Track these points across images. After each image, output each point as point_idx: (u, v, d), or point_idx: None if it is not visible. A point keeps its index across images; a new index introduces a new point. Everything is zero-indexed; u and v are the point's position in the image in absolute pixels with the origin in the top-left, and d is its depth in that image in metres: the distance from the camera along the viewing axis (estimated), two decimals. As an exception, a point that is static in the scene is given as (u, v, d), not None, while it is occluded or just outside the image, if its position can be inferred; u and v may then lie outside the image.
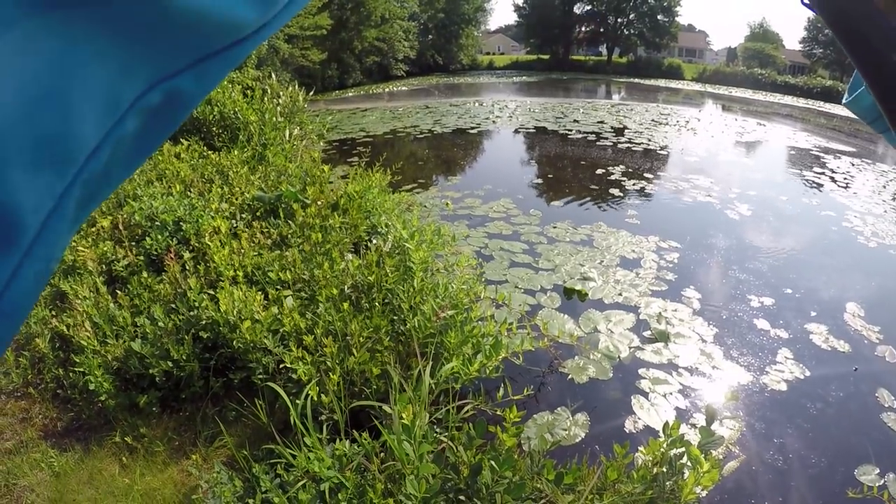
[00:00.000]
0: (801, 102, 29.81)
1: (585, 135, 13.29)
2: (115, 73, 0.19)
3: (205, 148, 6.02)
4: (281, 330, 2.79)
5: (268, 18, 0.23)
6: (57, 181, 0.18)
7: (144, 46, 0.19)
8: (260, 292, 2.99)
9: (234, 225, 3.93)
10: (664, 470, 2.02)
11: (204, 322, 2.87)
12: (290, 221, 3.94)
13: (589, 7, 47.00)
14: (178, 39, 0.20)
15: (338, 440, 2.20)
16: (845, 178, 10.36)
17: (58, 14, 0.17)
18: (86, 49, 0.18)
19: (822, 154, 13.00)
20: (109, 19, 0.18)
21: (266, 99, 7.84)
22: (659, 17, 44.92)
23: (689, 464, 2.01)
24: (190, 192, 4.43)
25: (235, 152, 5.83)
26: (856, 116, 0.57)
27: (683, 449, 2.06)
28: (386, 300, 3.14)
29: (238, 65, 0.25)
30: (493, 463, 1.86)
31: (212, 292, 3.02)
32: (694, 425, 3.22)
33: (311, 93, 10.16)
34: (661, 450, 2.08)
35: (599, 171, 9.54)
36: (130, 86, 0.20)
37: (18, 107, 0.17)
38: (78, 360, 2.74)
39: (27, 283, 0.18)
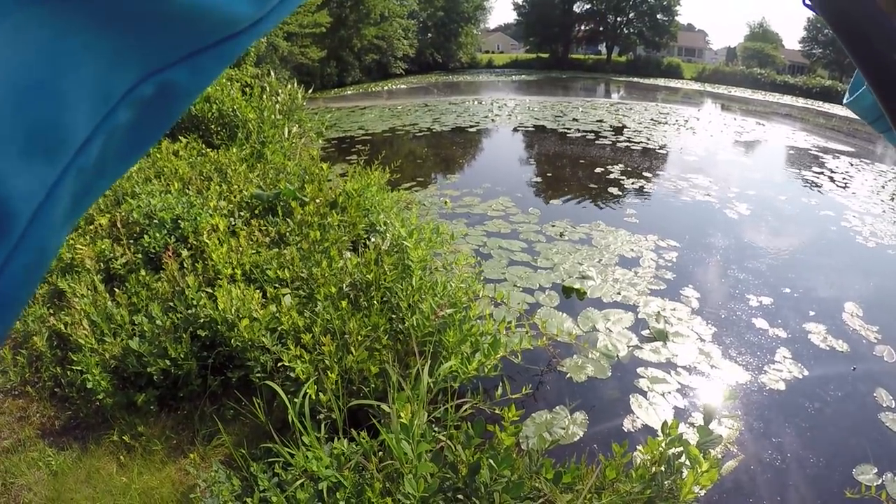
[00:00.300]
0: (800, 102, 29.83)
1: (584, 133, 13.29)
2: (106, 63, 0.19)
3: (203, 145, 6.00)
4: (279, 328, 2.79)
5: (263, 13, 0.23)
6: (48, 171, 0.18)
7: (136, 38, 0.19)
8: (258, 290, 2.99)
9: (233, 223, 3.92)
10: (663, 469, 2.03)
11: (202, 320, 2.86)
12: (288, 219, 3.94)
13: (588, 6, 46.98)
14: (171, 31, 0.20)
15: (336, 439, 2.20)
16: (844, 178, 10.38)
17: (48, 5, 0.17)
18: (76, 40, 0.18)
19: (820, 154, 13.02)
20: (100, 10, 0.18)
21: (265, 97, 7.82)
22: (658, 16, 44.93)
23: (687, 463, 2.02)
24: (188, 189, 4.41)
25: (234, 150, 5.81)
26: (856, 116, 0.56)
27: (682, 448, 2.06)
28: (384, 298, 3.13)
29: (234, 60, 0.24)
30: (491, 462, 1.86)
31: (210, 290, 3.01)
32: (692, 424, 3.23)
33: (310, 91, 10.12)
34: (660, 449, 2.09)
35: (598, 170, 9.55)
36: (122, 77, 0.20)
37: (8, 95, 0.17)
38: (76, 359, 2.73)
39: (19, 273, 0.18)
